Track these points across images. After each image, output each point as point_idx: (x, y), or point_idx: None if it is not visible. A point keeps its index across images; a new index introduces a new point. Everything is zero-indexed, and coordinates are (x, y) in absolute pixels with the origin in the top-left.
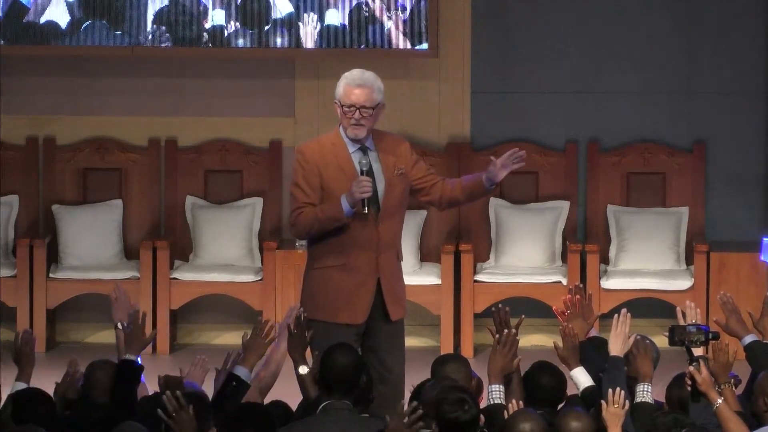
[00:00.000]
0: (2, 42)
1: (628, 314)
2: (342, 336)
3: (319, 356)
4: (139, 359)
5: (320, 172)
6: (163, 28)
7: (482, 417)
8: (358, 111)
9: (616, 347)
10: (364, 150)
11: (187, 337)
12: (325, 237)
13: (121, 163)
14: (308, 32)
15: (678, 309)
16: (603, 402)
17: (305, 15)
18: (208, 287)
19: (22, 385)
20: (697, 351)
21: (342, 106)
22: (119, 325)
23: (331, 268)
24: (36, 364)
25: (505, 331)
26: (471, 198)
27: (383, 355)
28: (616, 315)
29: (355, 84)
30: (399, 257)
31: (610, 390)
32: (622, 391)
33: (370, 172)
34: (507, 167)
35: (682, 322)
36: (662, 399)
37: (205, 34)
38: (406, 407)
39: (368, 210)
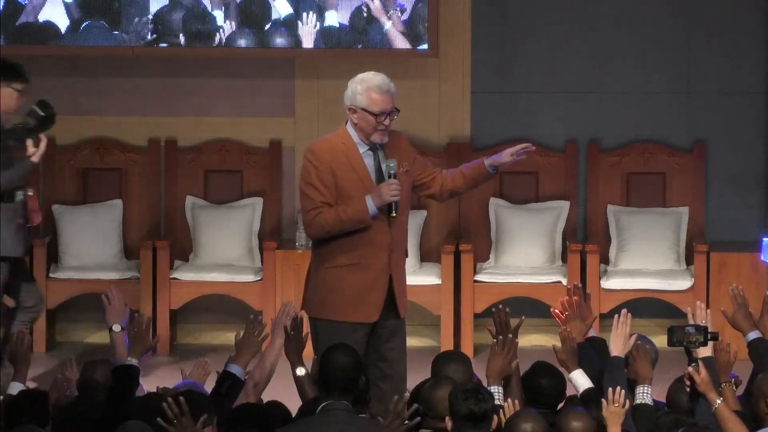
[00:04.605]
0: (2, 42)
1: (629, 314)
2: (352, 335)
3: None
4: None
5: (334, 172)
6: (166, 27)
7: (496, 417)
8: (388, 117)
9: (617, 347)
10: (374, 150)
11: (187, 337)
12: (337, 236)
13: (121, 163)
14: (308, 32)
15: (688, 310)
16: (603, 401)
17: (304, 15)
18: (208, 287)
19: (18, 385)
20: (705, 352)
21: (370, 113)
22: (114, 328)
23: (344, 267)
24: (36, 364)
25: (509, 336)
26: (474, 185)
27: (387, 353)
28: (616, 315)
29: (382, 91)
30: (406, 254)
31: (610, 389)
32: (623, 390)
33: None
34: (516, 157)
35: (691, 322)
36: (662, 398)
37: (206, 33)
38: (398, 404)
39: (396, 213)
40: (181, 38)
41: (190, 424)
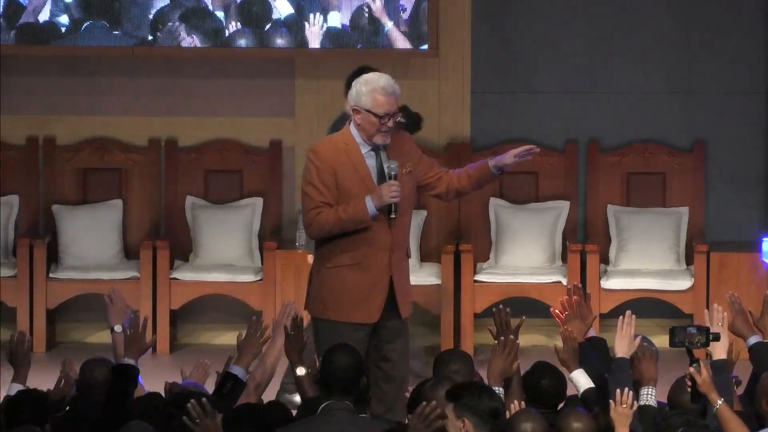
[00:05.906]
0: (2, 42)
1: (633, 316)
2: (353, 336)
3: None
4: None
5: (335, 172)
6: (166, 27)
7: None
8: (391, 119)
9: (622, 349)
10: (376, 150)
11: (187, 337)
12: (338, 236)
13: (121, 163)
14: (314, 32)
15: (705, 312)
16: (611, 402)
17: (311, 15)
18: (208, 287)
19: (18, 386)
20: (719, 354)
21: (374, 115)
22: (115, 328)
23: (345, 267)
24: (36, 364)
25: (510, 337)
26: (478, 186)
27: (389, 353)
28: (621, 317)
29: (387, 93)
30: (408, 255)
31: (618, 390)
32: (630, 392)
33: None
34: (519, 158)
35: (708, 323)
36: (662, 398)
37: (206, 33)
38: (425, 408)
39: (395, 215)
40: (182, 38)
41: (214, 424)
